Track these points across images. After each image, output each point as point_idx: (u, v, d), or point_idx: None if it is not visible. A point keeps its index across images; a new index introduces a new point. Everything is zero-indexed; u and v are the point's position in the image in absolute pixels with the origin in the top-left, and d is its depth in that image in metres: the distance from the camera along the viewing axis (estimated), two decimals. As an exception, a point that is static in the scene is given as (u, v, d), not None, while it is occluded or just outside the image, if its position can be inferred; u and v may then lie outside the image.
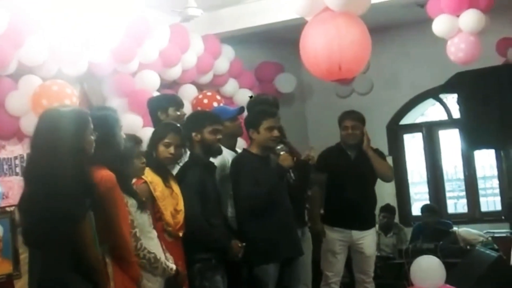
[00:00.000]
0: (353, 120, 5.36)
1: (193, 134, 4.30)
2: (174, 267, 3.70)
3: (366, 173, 5.36)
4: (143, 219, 3.59)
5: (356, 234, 5.33)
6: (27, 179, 3.05)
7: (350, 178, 5.30)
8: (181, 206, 4.01)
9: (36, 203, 2.91)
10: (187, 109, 5.40)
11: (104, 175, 3.15)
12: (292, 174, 4.55)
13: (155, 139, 4.08)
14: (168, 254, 3.74)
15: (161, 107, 4.63)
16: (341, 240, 5.34)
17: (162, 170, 4.01)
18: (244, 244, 4.24)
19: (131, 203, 3.51)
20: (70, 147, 2.94)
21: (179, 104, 4.71)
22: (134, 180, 3.75)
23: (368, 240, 5.39)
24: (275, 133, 4.51)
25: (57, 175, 2.89)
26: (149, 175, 3.88)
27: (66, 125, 2.97)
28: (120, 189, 3.32)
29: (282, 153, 4.50)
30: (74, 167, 2.93)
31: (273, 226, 4.42)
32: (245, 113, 4.98)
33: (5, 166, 4.93)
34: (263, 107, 4.80)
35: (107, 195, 3.12)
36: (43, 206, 2.88)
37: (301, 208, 5.16)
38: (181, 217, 3.98)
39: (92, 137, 3.07)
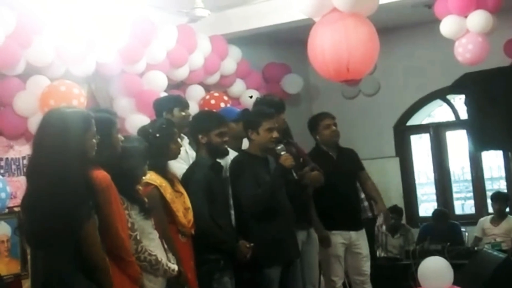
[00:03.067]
0: (332, 118, 5.37)
1: (200, 136, 4.30)
2: (176, 267, 3.68)
3: (350, 170, 5.38)
4: (145, 221, 3.58)
5: (354, 234, 5.31)
6: (29, 178, 3.05)
7: (338, 178, 5.19)
8: (188, 203, 4.01)
9: (40, 203, 2.90)
10: (194, 110, 5.41)
11: (99, 175, 3.12)
12: (294, 174, 4.53)
13: (168, 137, 4.01)
14: (170, 255, 3.71)
15: (166, 107, 4.64)
16: (342, 243, 5.28)
17: (165, 170, 3.99)
18: (252, 244, 4.22)
19: (133, 206, 3.51)
20: (72, 147, 2.94)
21: (184, 105, 4.72)
22: (141, 187, 3.72)
23: (363, 240, 5.39)
24: (275, 134, 4.46)
25: (60, 175, 2.89)
26: (157, 179, 3.85)
27: (69, 125, 2.97)
28: (122, 194, 3.33)
29: (283, 153, 4.44)
30: (77, 167, 2.93)
31: (275, 228, 4.39)
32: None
33: (13, 166, 4.95)
34: (262, 108, 4.75)
35: (102, 195, 3.09)
36: (47, 205, 2.88)
37: (306, 209, 5.12)
38: (191, 215, 3.98)
39: (94, 140, 3.08)
